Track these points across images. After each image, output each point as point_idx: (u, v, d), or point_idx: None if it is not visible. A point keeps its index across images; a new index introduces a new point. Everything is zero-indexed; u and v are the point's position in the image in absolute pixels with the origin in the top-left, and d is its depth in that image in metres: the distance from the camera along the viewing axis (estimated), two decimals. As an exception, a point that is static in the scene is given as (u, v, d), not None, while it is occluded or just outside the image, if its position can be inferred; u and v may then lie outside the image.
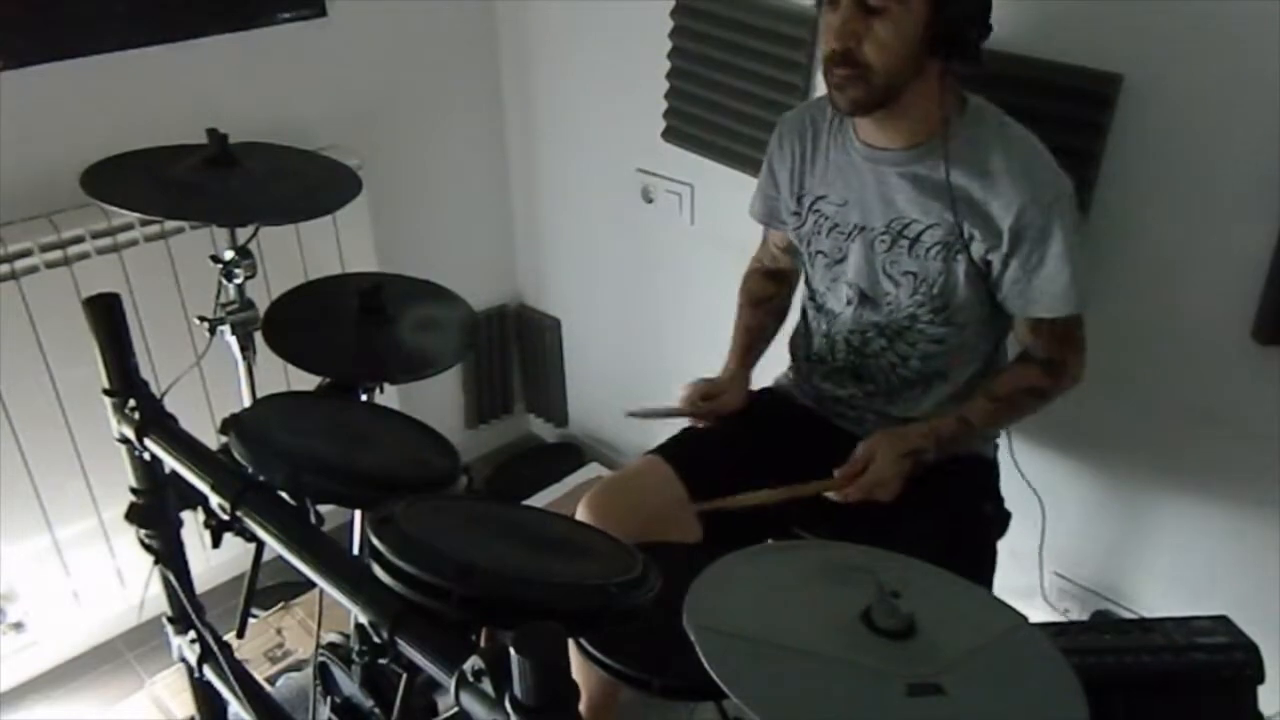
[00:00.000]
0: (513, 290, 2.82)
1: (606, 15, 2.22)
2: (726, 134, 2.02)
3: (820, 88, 1.80)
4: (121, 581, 2.12)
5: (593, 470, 2.63)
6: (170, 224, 1.96)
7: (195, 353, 1.55)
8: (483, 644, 0.87)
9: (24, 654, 2.08)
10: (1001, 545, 1.54)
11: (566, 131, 2.47)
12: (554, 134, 2.51)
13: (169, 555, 1.35)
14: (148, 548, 1.35)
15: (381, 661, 1.20)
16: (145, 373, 1.26)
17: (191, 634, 1.40)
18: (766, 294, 1.74)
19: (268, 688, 1.84)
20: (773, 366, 1.74)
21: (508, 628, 0.74)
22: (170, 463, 1.19)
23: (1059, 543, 1.76)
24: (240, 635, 1.29)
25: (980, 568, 1.49)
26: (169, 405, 1.26)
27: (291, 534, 1.02)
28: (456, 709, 0.80)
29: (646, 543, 1.13)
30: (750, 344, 1.70)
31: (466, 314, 1.57)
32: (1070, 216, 1.36)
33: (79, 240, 1.88)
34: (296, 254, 2.13)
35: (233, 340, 1.60)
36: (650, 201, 2.28)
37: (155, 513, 1.32)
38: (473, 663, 0.78)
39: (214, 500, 1.09)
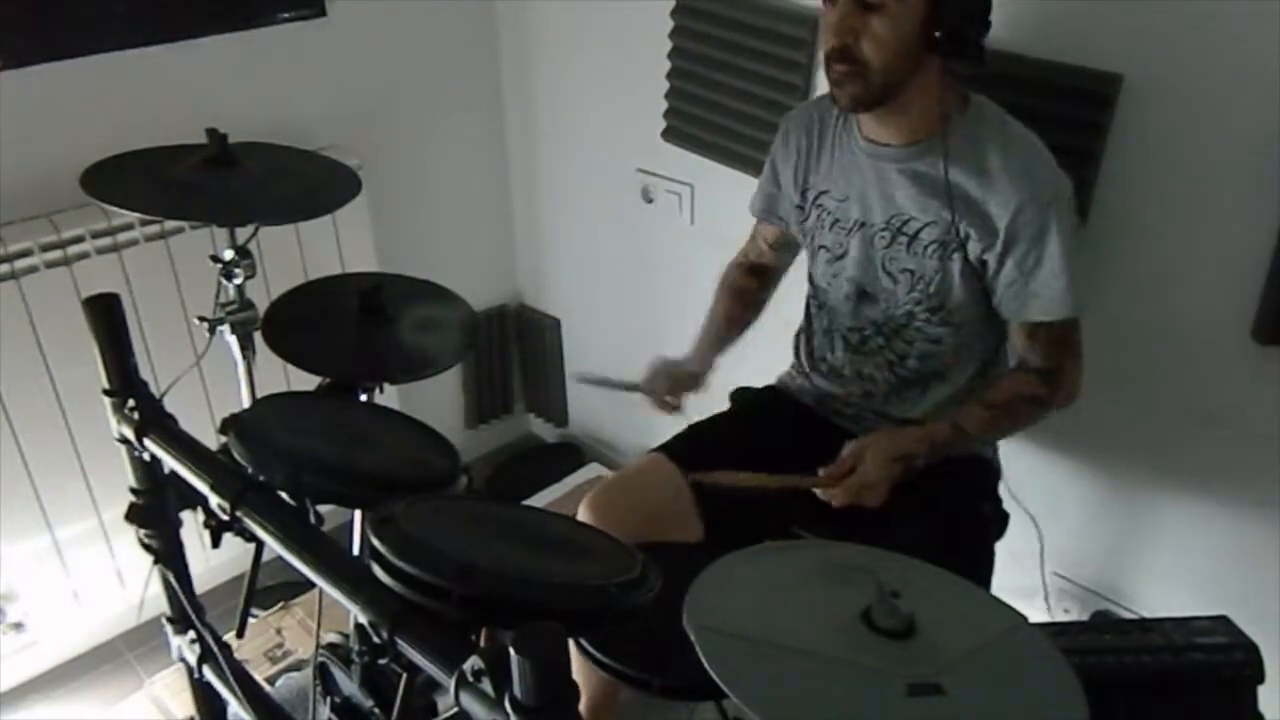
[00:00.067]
0: (513, 290, 2.82)
1: (606, 15, 2.22)
2: (726, 134, 2.02)
3: (821, 87, 1.81)
4: (121, 581, 2.12)
5: (593, 470, 2.63)
6: (170, 224, 1.96)
7: (195, 353, 1.55)
8: (483, 644, 0.87)
9: (24, 654, 2.08)
10: (1000, 546, 1.54)
11: (566, 131, 2.47)
12: (554, 134, 2.51)
13: (169, 555, 1.35)
14: (147, 548, 1.35)
15: (381, 661, 1.20)
16: (145, 373, 1.26)
17: (191, 634, 1.40)
18: (746, 286, 1.74)
19: (267, 688, 1.84)
20: (775, 365, 1.74)
21: (508, 628, 0.74)
22: (170, 463, 1.18)
23: (1059, 543, 1.76)
24: (240, 635, 1.29)
25: (978, 568, 1.49)
26: (169, 405, 1.26)
27: (291, 534, 1.02)
28: (456, 709, 0.80)
29: (646, 543, 1.13)
30: (722, 332, 1.69)
31: (466, 314, 1.57)
32: (1069, 218, 1.36)
33: (79, 240, 1.88)
34: (296, 254, 2.13)
35: (232, 340, 1.60)
36: (650, 201, 2.28)
37: (155, 513, 1.32)
38: (473, 663, 0.78)
39: (214, 500, 1.09)
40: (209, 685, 1.41)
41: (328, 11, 2.16)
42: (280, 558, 1.01)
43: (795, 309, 1.69)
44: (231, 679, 1.34)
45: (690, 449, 1.57)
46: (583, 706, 0.76)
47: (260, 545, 1.09)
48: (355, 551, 1.47)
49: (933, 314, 1.46)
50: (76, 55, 1.87)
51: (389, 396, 1.80)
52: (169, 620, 1.45)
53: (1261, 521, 1.53)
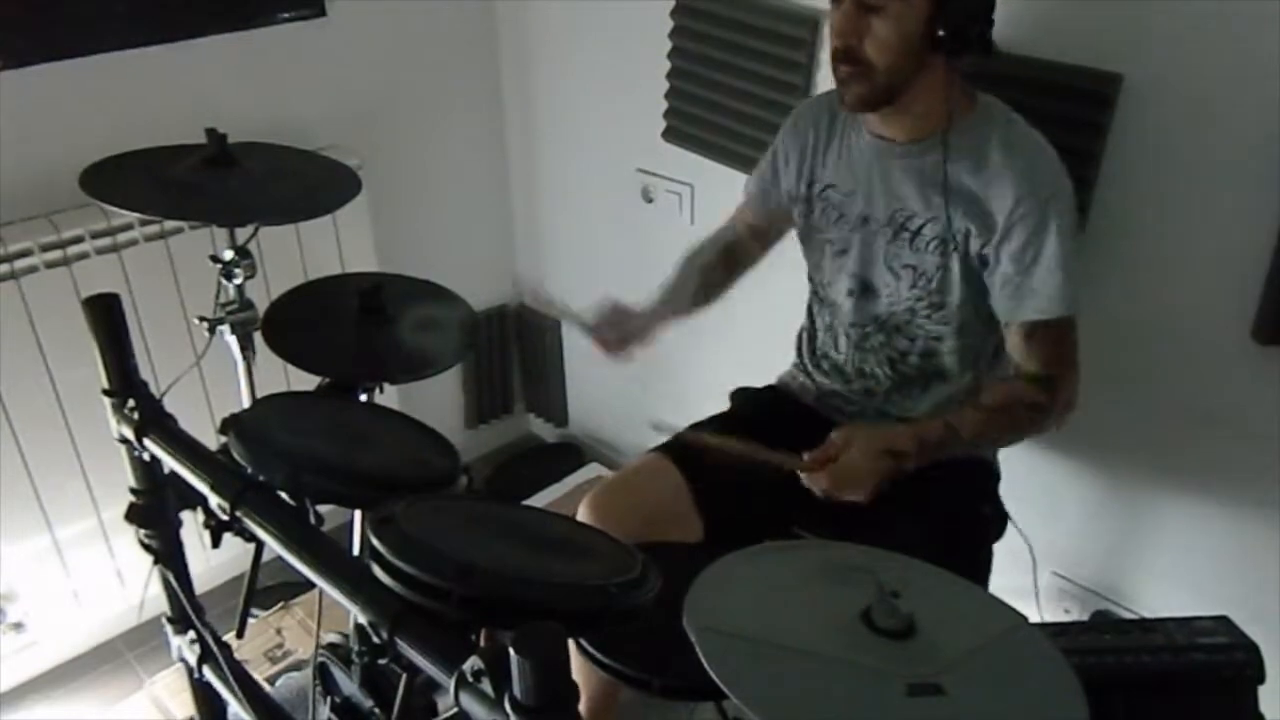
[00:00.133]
0: (513, 290, 2.82)
1: (606, 15, 2.22)
2: (726, 134, 2.02)
3: (820, 87, 1.81)
4: (121, 581, 2.12)
5: (593, 470, 2.63)
6: (170, 224, 1.96)
7: (195, 353, 1.55)
8: (483, 644, 0.87)
9: (24, 654, 2.08)
10: (999, 546, 1.54)
11: (566, 131, 2.47)
12: (554, 134, 2.51)
13: (169, 555, 1.35)
14: (147, 548, 1.35)
15: (381, 661, 1.20)
16: (145, 373, 1.26)
17: (191, 634, 1.40)
18: (709, 262, 1.71)
19: (267, 688, 1.84)
20: (775, 365, 1.74)
21: (508, 628, 0.74)
22: (170, 463, 1.18)
23: (1059, 543, 1.76)
24: (240, 635, 1.29)
25: (977, 569, 1.49)
26: (169, 405, 1.26)
27: (291, 534, 1.02)
28: (456, 709, 0.80)
29: (646, 543, 1.13)
30: (680, 293, 1.68)
31: (466, 314, 1.57)
32: (1069, 216, 1.35)
33: (79, 240, 1.88)
34: (296, 254, 2.13)
35: (232, 340, 1.60)
36: (650, 201, 2.28)
37: (155, 513, 1.32)
38: (472, 663, 0.78)
39: (214, 500, 1.09)
40: (209, 685, 1.41)
41: (328, 11, 2.16)
42: (280, 558, 1.01)
43: (794, 309, 1.69)
44: (231, 679, 1.34)
45: (690, 448, 1.57)
46: (582, 706, 0.76)
47: (260, 545, 1.09)
48: (355, 551, 1.47)
49: (934, 310, 1.46)
50: (76, 55, 1.87)
51: (389, 396, 1.80)
52: (169, 620, 1.45)
53: (1261, 521, 1.53)
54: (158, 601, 1.44)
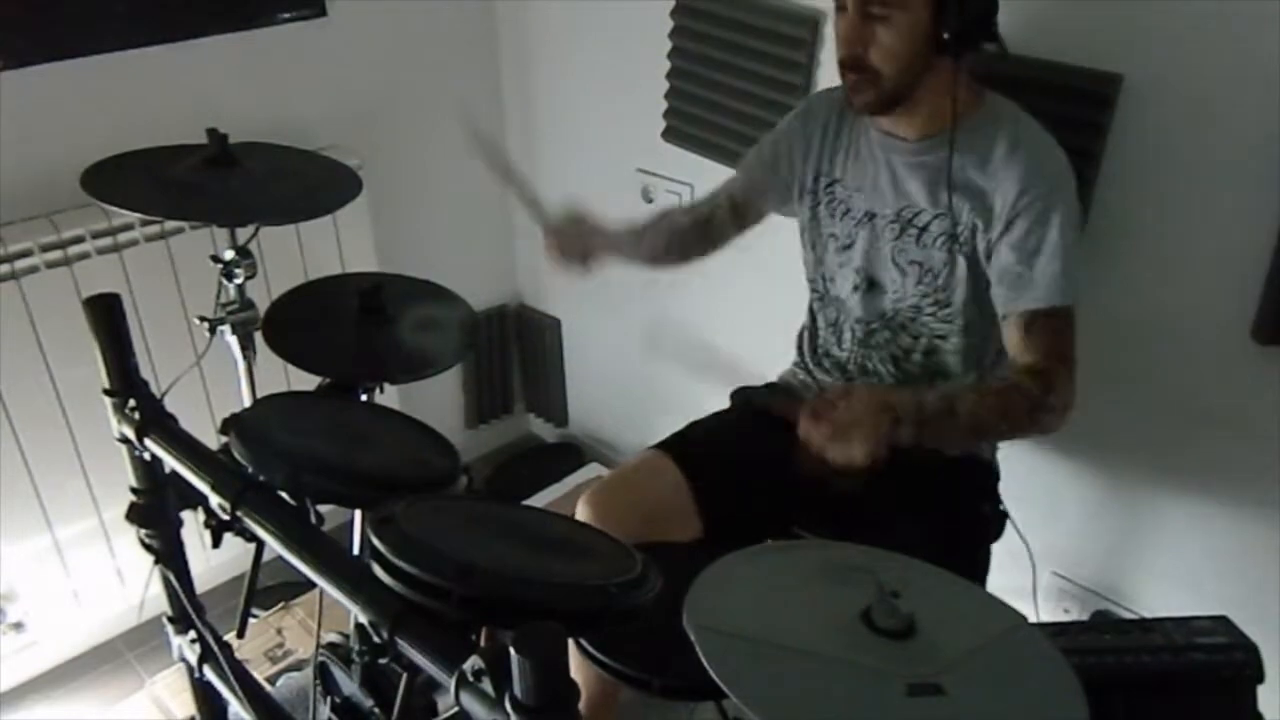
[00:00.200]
0: (513, 290, 2.82)
1: (606, 15, 2.22)
2: (726, 134, 2.02)
3: (819, 88, 1.81)
4: (121, 581, 2.12)
5: (593, 470, 2.63)
6: (170, 224, 1.96)
7: (195, 353, 1.55)
8: (483, 644, 0.87)
9: (24, 654, 2.08)
10: (998, 546, 1.54)
11: (566, 131, 2.47)
12: (554, 134, 2.51)
13: (169, 555, 1.35)
14: (148, 548, 1.35)
15: (381, 661, 1.20)
16: (145, 373, 1.26)
17: (192, 634, 1.40)
18: (682, 226, 1.71)
19: (268, 688, 1.84)
20: (776, 364, 1.74)
21: (508, 628, 0.74)
22: (170, 463, 1.19)
23: (1059, 543, 1.76)
24: (240, 635, 1.29)
25: (976, 569, 1.49)
26: (169, 405, 1.26)
27: (291, 534, 1.02)
28: (456, 709, 0.80)
29: (646, 543, 1.13)
30: (646, 241, 1.69)
31: (466, 314, 1.57)
32: (1072, 209, 1.35)
33: (79, 240, 1.88)
34: (296, 254, 2.13)
35: (233, 340, 1.60)
36: (650, 201, 2.28)
37: (155, 513, 1.32)
38: (473, 663, 0.78)
39: (214, 500, 1.09)
40: (209, 685, 1.41)
41: (328, 11, 2.16)
42: (280, 558, 1.01)
43: (794, 307, 1.69)
44: (232, 679, 1.34)
45: (689, 446, 1.57)
46: (582, 706, 0.76)
47: (260, 545, 1.09)
48: (355, 551, 1.47)
49: (939, 308, 1.46)
50: (76, 55, 1.87)
51: (389, 396, 1.80)
52: (169, 620, 1.45)
53: (1261, 521, 1.53)
54: (158, 601, 1.44)
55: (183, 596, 1.38)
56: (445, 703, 0.83)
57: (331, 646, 1.44)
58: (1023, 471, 1.63)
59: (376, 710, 1.36)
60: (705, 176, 2.13)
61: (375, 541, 0.87)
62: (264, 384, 1.63)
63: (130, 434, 1.22)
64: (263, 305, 1.57)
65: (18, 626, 2.03)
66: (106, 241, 1.91)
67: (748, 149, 1.95)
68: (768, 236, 1.75)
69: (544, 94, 2.48)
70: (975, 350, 1.50)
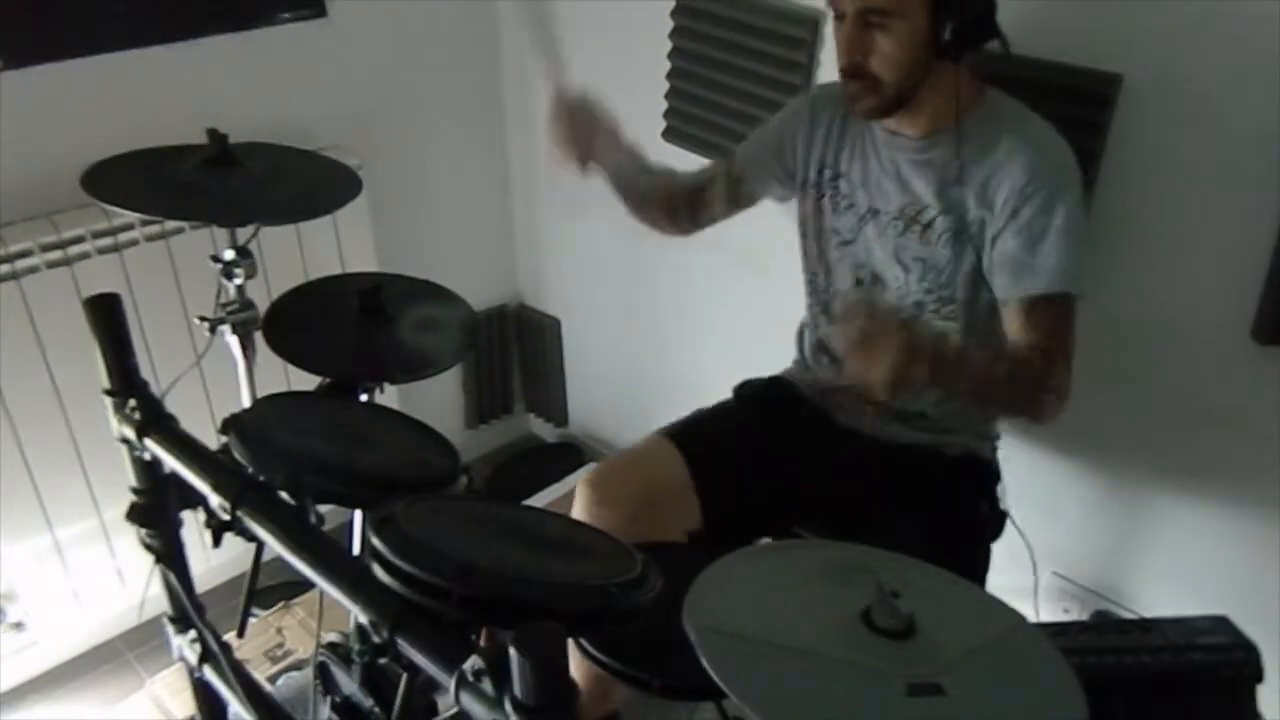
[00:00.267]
0: (513, 290, 2.82)
1: (606, 15, 2.22)
2: (726, 134, 2.02)
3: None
4: (121, 581, 2.13)
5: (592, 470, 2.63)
6: (170, 224, 1.96)
7: (195, 353, 1.55)
8: (483, 644, 0.88)
9: (24, 654, 2.08)
10: (998, 546, 1.54)
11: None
12: (554, 134, 2.50)
13: (169, 555, 1.35)
14: (148, 547, 1.35)
15: (381, 661, 1.20)
16: (145, 373, 1.26)
17: (192, 634, 1.40)
18: (677, 184, 1.69)
19: (268, 687, 1.84)
20: (779, 361, 1.74)
21: (508, 628, 0.74)
22: (170, 463, 1.18)
23: (1059, 543, 1.76)
24: (240, 635, 1.29)
25: (976, 569, 1.49)
26: (169, 405, 1.26)
27: (291, 534, 1.02)
28: (456, 709, 0.80)
29: (646, 543, 1.13)
30: (649, 172, 1.67)
31: (466, 314, 1.57)
32: (1077, 197, 1.35)
33: (79, 240, 1.88)
34: (296, 254, 2.13)
35: (233, 340, 1.60)
36: (650, 201, 2.28)
37: (155, 513, 1.32)
38: (473, 663, 0.78)
39: (214, 500, 1.09)
40: (209, 685, 1.41)
41: (328, 11, 2.16)
42: (280, 557, 1.01)
43: (795, 306, 1.69)
44: (232, 678, 1.34)
45: (693, 433, 1.57)
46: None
47: (260, 545, 1.09)
48: (355, 551, 1.47)
49: (942, 305, 1.46)
50: (76, 55, 1.87)
51: (389, 396, 1.80)
52: (170, 620, 1.45)
53: (1261, 521, 1.53)
54: (158, 601, 1.44)
55: (183, 596, 1.38)
56: (445, 703, 0.83)
57: (331, 646, 1.44)
58: (1023, 471, 1.63)
59: (376, 710, 1.36)
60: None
61: (375, 541, 0.87)
62: (264, 384, 1.63)
63: (130, 434, 1.22)
64: (263, 305, 1.57)
65: (18, 626, 2.03)
66: (106, 241, 1.91)
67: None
68: (768, 238, 1.76)
69: (544, 94, 2.47)
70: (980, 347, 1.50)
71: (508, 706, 0.74)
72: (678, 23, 2.03)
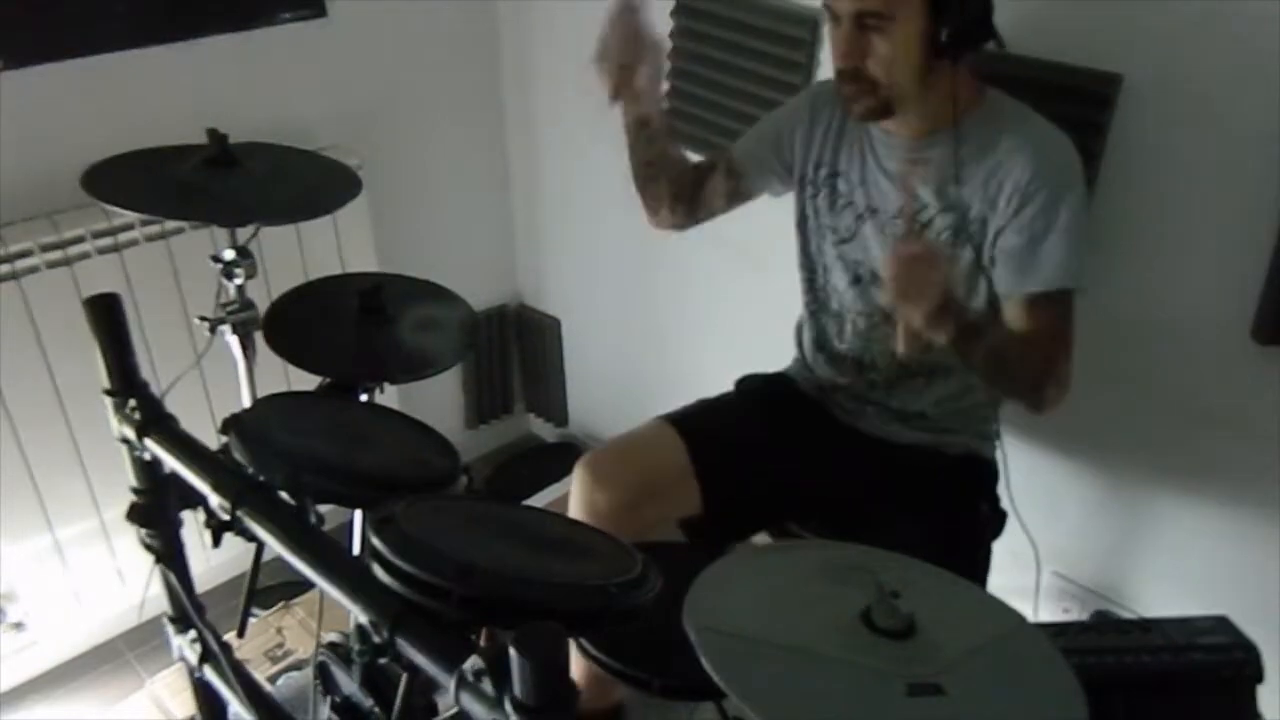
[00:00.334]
0: (513, 290, 2.82)
1: (606, 15, 2.21)
2: (727, 134, 2.01)
3: (820, 88, 1.81)
4: (121, 581, 2.13)
5: (593, 470, 2.63)
6: (170, 224, 1.96)
7: (195, 353, 1.55)
8: (483, 644, 0.88)
9: (24, 654, 2.08)
10: (999, 545, 1.54)
11: (566, 131, 2.47)
12: (554, 134, 2.51)
13: (169, 555, 1.35)
14: (148, 547, 1.35)
15: (381, 661, 1.20)
16: (145, 373, 1.26)
17: (192, 633, 1.40)
18: (685, 166, 1.65)
19: (268, 687, 1.84)
20: (781, 358, 1.74)
21: (508, 628, 0.74)
22: (170, 463, 1.18)
23: (1059, 543, 1.76)
24: (240, 635, 1.29)
25: (976, 568, 1.49)
26: (169, 405, 1.26)
27: (291, 534, 1.02)
28: (456, 709, 0.80)
29: (646, 543, 1.13)
30: (668, 140, 1.63)
31: (466, 314, 1.57)
32: (1081, 197, 1.35)
33: (79, 240, 1.88)
34: (296, 254, 2.13)
35: (233, 340, 1.60)
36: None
37: (155, 513, 1.32)
38: (473, 663, 0.78)
39: (214, 500, 1.09)
40: (209, 685, 1.41)
41: (328, 11, 2.16)
42: (280, 557, 1.01)
43: (797, 301, 1.69)
44: (232, 678, 1.34)
45: (694, 420, 1.58)
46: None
47: (260, 545, 1.09)
48: (355, 551, 1.47)
49: None
50: (76, 55, 1.87)
51: (389, 396, 1.80)
52: (170, 620, 1.45)
53: (1261, 521, 1.53)
54: (158, 601, 1.44)
55: (183, 596, 1.38)
56: (445, 703, 0.83)
57: (331, 646, 1.44)
58: (1023, 471, 1.63)
59: (376, 710, 1.36)
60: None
61: (375, 541, 0.87)
62: (264, 384, 1.63)
63: (130, 434, 1.22)
64: (263, 305, 1.57)
65: (18, 626, 2.03)
66: (106, 241, 1.91)
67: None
68: (767, 233, 1.76)
69: (544, 94, 2.48)
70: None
71: (508, 706, 0.74)
72: (678, 23, 2.03)
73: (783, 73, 1.88)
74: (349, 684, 1.40)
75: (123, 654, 2.20)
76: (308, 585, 1.88)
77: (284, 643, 2.10)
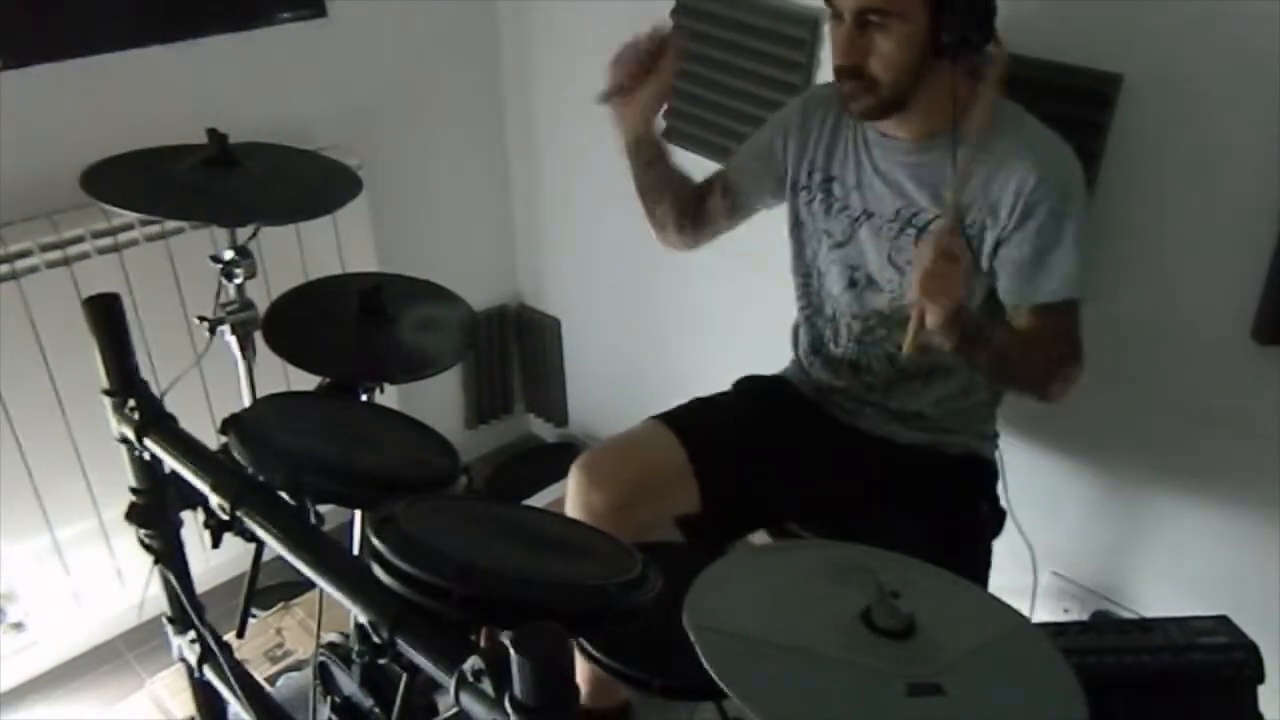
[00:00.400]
0: (513, 290, 2.82)
1: (607, 15, 2.21)
2: (727, 134, 2.02)
3: (820, 88, 1.81)
4: (121, 581, 2.12)
5: (593, 470, 2.63)
6: (170, 224, 1.96)
7: (195, 353, 1.55)
8: (483, 644, 0.88)
9: (24, 654, 2.08)
10: (999, 545, 1.54)
11: (567, 131, 2.47)
12: (554, 134, 2.51)
13: (169, 555, 1.35)
14: (148, 548, 1.35)
15: (381, 661, 1.19)
16: (145, 373, 1.26)
17: (191, 634, 1.40)
18: (687, 186, 1.67)
19: (268, 688, 1.84)
20: (777, 362, 1.74)
21: (508, 628, 0.74)
22: (170, 463, 1.19)
23: (1059, 543, 1.76)
24: (240, 635, 1.29)
25: (976, 567, 1.49)
26: (169, 405, 1.26)
27: (291, 534, 1.02)
28: (456, 709, 0.80)
29: (646, 543, 1.13)
30: (670, 162, 1.65)
31: (466, 314, 1.57)
32: (1083, 203, 1.36)
33: (79, 240, 1.88)
34: (296, 254, 2.13)
35: (233, 340, 1.60)
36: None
37: (155, 513, 1.32)
38: (473, 663, 0.78)
39: (214, 500, 1.09)
40: (209, 685, 1.41)
41: (328, 11, 2.16)
42: (280, 557, 1.01)
43: (794, 305, 1.69)
44: (232, 679, 1.34)
45: (690, 419, 1.57)
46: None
47: (260, 545, 1.09)
48: (355, 551, 1.47)
49: None
50: (76, 55, 1.87)
51: (389, 396, 1.80)
52: (169, 620, 1.45)
53: (1261, 522, 1.53)
54: (158, 601, 1.44)
55: (182, 596, 1.38)
56: (445, 703, 0.83)
57: (331, 646, 1.44)
58: (1023, 471, 1.63)
59: (376, 710, 1.35)
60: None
61: (375, 541, 0.87)
62: (264, 384, 1.63)
63: (130, 434, 1.22)
64: (263, 305, 1.57)
65: (18, 626, 2.03)
66: (106, 241, 1.91)
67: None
68: (768, 236, 1.75)
69: (544, 94, 2.48)
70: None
71: (508, 706, 0.74)
72: (678, 23, 2.03)
73: (783, 73, 1.88)
74: (349, 684, 1.40)
75: (122, 654, 2.20)
76: (307, 585, 1.88)
77: (284, 643, 2.10)
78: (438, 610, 0.84)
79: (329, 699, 1.44)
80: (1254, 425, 1.49)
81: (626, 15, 2.16)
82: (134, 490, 1.32)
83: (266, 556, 1.12)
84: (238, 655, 1.41)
